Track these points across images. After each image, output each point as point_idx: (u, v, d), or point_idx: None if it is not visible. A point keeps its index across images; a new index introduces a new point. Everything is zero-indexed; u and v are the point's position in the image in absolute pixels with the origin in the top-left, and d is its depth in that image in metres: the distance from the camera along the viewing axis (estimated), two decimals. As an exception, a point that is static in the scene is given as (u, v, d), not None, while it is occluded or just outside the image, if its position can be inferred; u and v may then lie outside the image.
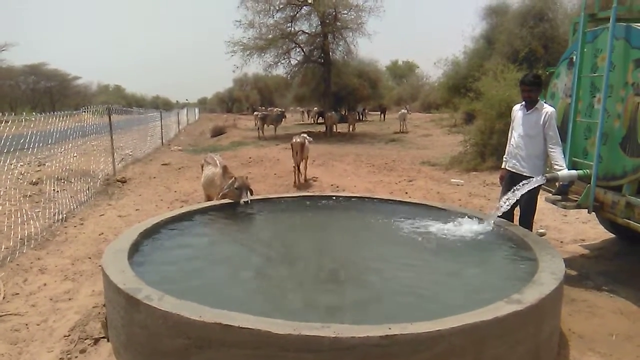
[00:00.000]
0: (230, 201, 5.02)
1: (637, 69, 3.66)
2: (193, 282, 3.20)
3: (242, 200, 4.85)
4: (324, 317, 2.76)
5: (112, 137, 10.44)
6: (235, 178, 5.02)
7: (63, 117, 7.73)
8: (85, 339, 3.26)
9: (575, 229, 5.80)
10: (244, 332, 2.23)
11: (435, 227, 4.35)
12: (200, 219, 4.54)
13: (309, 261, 3.77)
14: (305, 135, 9.51)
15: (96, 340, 3.27)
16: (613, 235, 5.33)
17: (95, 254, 5.05)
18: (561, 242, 5.40)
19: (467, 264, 3.62)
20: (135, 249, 3.49)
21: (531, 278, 2.96)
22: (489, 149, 10.58)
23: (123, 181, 9.51)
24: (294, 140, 9.08)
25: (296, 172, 9.16)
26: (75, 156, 9.29)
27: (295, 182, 9.08)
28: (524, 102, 4.37)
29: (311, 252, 4.02)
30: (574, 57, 4.32)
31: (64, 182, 8.04)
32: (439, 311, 2.68)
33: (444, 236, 4.11)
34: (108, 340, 3.18)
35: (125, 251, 3.28)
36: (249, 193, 4.97)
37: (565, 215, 6.21)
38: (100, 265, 3.52)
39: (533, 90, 4.22)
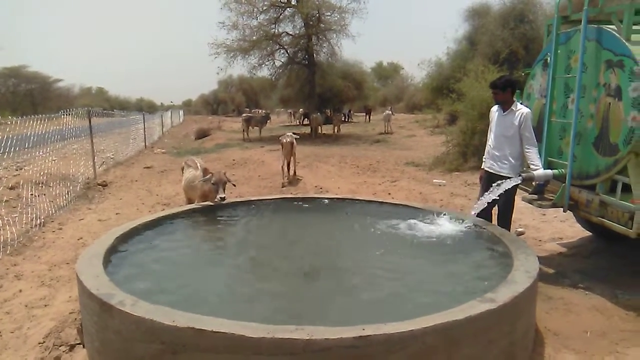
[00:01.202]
0: (211, 204, 4.99)
1: (608, 69, 3.73)
2: (170, 286, 3.18)
3: (218, 197, 4.78)
4: (300, 319, 2.75)
5: (92, 140, 10.30)
6: (212, 173, 4.95)
7: (42, 121, 7.60)
8: (60, 346, 3.21)
9: (553, 228, 5.89)
10: (218, 336, 2.22)
11: (414, 227, 4.38)
12: (179, 223, 4.50)
13: (288, 263, 3.76)
14: (291, 133, 9.97)
15: (71, 347, 3.22)
16: (590, 234, 5.42)
17: (74, 259, 4.97)
18: (539, 240, 5.48)
19: (444, 263, 3.65)
20: (111, 253, 3.45)
21: (505, 275, 3.01)
22: (470, 149, 10.69)
23: (104, 185, 9.39)
24: (284, 140, 9.55)
25: (286, 170, 9.59)
26: (55, 160, 9.17)
27: (284, 180, 9.45)
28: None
29: (290, 254, 4.01)
30: (548, 59, 4.39)
31: (42, 187, 7.90)
32: (414, 311, 2.70)
33: (422, 236, 4.15)
34: (84, 347, 3.13)
35: (100, 256, 3.24)
36: (225, 189, 4.88)
37: (544, 215, 6.30)
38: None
39: (499, 93, 4.30)
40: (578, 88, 3.92)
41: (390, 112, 23.32)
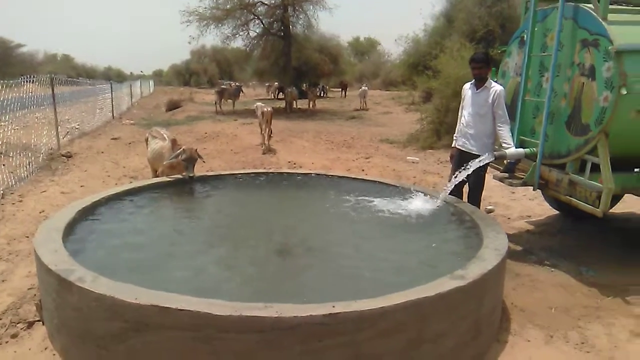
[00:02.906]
0: (179, 176, 4.83)
1: (583, 49, 3.72)
2: (133, 262, 3.06)
3: (187, 175, 4.65)
4: (271, 296, 2.69)
5: (55, 109, 9.84)
6: (183, 149, 4.77)
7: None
8: (18, 323, 3.07)
9: (522, 206, 5.99)
10: (183, 314, 2.15)
11: (387, 204, 4.36)
12: (145, 196, 4.35)
13: (258, 239, 3.67)
14: (261, 104, 11.17)
15: (30, 324, 3.09)
16: (558, 212, 5.54)
17: (34, 232, 4.72)
18: (508, 218, 5.56)
19: (415, 240, 3.65)
20: (72, 227, 3.31)
21: (475, 253, 3.03)
22: (444, 127, 10.72)
23: (68, 156, 9.02)
24: (266, 109, 10.41)
25: (265, 136, 10.42)
26: (17, 128, 8.73)
27: (264, 147, 10.20)
28: (473, 81, 4.40)
29: (261, 230, 3.91)
30: (525, 36, 4.35)
31: (1, 157, 7.52)
32: (385, 288, 2.69)
33: (395, 213, 4.13)
34: (43, 324, 3.01)
35: (60, 230, 3.10)
36: (194, 167, 4.73)
37: (513, 193, 6.39)
38: (34, 245, 3.30)
39: (483, 67, 4.25)
40: (553, 67, 3.91)
41: (366, 88, 23.14)
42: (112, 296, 2.26)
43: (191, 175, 4.64)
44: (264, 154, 9.74)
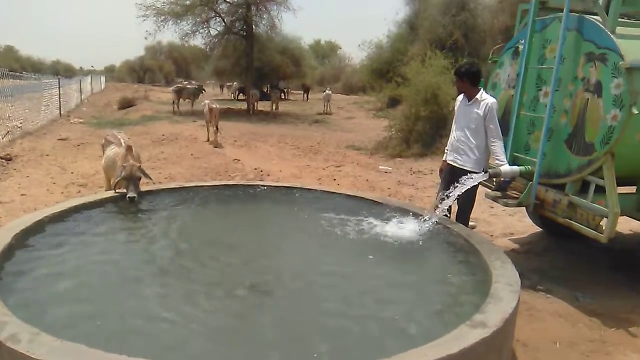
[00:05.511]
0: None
1: (588, 63, 3.49)
2: (83, 306, 2.48)
3: (127, 196, 3.98)
4: (252, 355, 2.21)
5: (-6, 106, 8.86)
6: (123, 165, 4.16)
7: None
8: None
9: (503, 222, 5.79)
10: (152, 390, 1.66)
11: (373, 225, 3.96)
12: (96, 215, 3.74)
13: (229, 273, 3.10)
14: (208, 101, 11.74)
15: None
16: (540, 229, 5.36)
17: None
18: (491, 235, 5.33)
19: (411, 271, 3.28)
20: (6, 258, 2.69)
21: (483, 288, 2.71)
22: (414, 135, 10.55)
23: (8, 159, 8.09)
24: (213, 105, 11.12)
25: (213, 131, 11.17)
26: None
27: (211, 142, 11.01)
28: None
29: (232, 260, 3.32)
30: (520, 47, 4.11)
31: None
32: (392, 337, 2.30)
33: (384, 237, 3.73)
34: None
35: (-11, 263, 2.50)
36: (137, 186, 4.12)
37: (492, 207, 6.19)
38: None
39: (464, 81, 3.99)
40: (554, 81, 3.66)
41: (330, 92, 22.84)
42: (57, 364, 1.74)
43: (131, 196, 3.97)
44: (210, 143, 10.73)
